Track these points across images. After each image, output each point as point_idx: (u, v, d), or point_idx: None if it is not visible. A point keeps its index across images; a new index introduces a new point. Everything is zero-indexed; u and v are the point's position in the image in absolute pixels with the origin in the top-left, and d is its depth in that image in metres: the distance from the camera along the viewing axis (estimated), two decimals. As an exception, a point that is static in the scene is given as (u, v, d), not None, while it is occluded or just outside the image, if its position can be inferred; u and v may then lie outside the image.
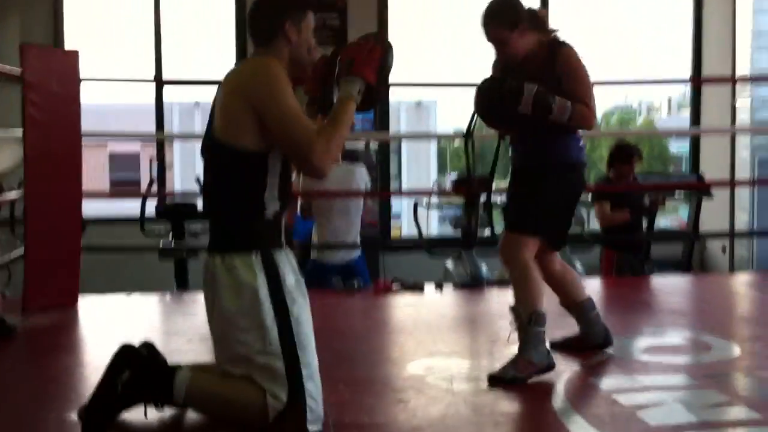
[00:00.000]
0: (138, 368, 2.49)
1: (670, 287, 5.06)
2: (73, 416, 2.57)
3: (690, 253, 7.38)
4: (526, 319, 3.04)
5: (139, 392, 2.47)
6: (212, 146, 2.41)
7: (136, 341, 2.58)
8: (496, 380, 2.98)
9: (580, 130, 3.20)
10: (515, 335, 3.09)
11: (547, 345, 3.10)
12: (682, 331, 3.82)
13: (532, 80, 3.05)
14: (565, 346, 3.40)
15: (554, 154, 3.17)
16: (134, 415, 2.49)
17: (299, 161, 2.35)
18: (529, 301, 3.06)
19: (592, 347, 3.38)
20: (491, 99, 3.10)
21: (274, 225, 2.44)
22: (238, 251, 2.36)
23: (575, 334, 3.43)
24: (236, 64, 2.48)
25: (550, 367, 3.04)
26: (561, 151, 3.17)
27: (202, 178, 2.57)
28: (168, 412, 2.56)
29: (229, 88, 2.39)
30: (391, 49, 2.50)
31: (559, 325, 3.43)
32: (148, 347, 2.60)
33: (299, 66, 2.47)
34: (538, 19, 3.19)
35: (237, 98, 2.33)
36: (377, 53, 2.44)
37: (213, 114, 2.44)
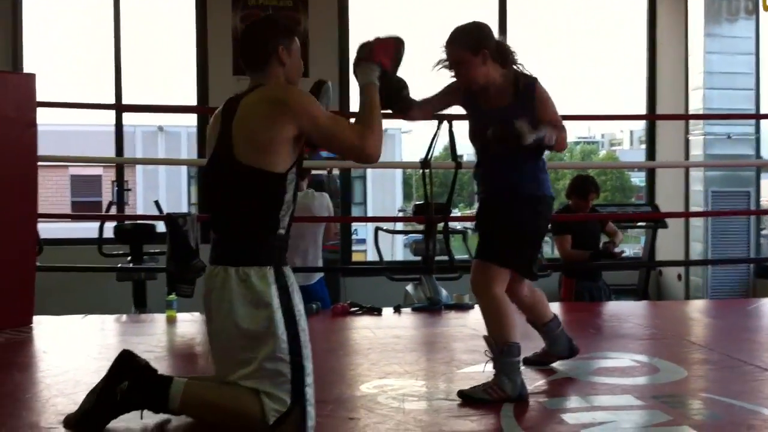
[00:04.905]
0: (136, 376, 2.56)
1: (625, 313, 5.14)
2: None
3: (646, 280, 7.53)
4: (499, 350, 3.09)
5: (137, 400, 2.55)
6: (233, 167, 2.48)
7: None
8: (465, 397, 3.05)
9: (545, 163, 3.24)
10: (490, 365, 3.13)
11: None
12: (632, 354, 3.89)
13: (499, 111, 3.09)
14: (535, 363, 3.54)
15: (525, 187, 3.17)
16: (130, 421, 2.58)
17: (356, 159, 2.55)
18: (502, 333, 3.10)
19: (558, 359, 3.56)
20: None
21: (285, 241, 2.57)
22: (252, 264, 2.47)
23: (541, 350, 3.57)
24: (247, 92, 2.54)
25: (522, 397, 3.05)
26: (531, 184, 3.18)
27: (201, 198, 2.64)
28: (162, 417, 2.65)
29: (257, 115, 2.46)
30: (403, 42, 2.79)
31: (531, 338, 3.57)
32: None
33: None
34: (504, 52, 3.17)
35: (275, 125, 2.44)
36: (392, 44, 2.74)
37: (227, 137, 2.50)
